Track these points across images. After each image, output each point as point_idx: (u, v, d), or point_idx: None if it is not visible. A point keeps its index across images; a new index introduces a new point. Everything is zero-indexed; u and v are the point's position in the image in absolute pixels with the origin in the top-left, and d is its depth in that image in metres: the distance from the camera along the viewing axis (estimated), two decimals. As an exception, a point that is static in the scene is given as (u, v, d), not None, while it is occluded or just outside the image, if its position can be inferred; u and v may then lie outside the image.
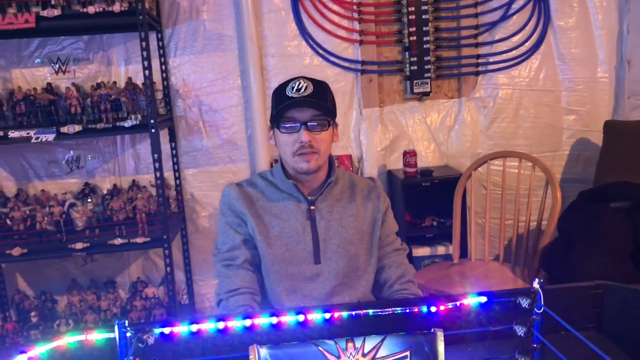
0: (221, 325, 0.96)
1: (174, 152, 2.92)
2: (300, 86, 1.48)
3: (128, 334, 0.76)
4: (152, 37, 2.76)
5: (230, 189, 1.62)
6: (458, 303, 0.80)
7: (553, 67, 2.99)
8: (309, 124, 1.48)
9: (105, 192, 2.84)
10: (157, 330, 0.81)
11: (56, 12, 2.30)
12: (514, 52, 2.96)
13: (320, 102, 1.49)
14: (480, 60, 2.98)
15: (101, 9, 2.31)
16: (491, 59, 2.97)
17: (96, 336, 1.03)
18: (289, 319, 0.83)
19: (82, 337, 1.03)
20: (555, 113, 3.02)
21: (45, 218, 2.54)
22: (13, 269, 2.94)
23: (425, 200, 2.93)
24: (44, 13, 2.30)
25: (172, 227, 2.70)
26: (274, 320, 0.84)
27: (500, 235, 2.60)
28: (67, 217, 2.57)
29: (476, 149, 3.02)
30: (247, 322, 0.97)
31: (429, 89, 2.97)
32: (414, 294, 1.60)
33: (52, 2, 2.32)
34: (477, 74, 2.99)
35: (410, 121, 3.03)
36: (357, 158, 3.03)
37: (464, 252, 2.69)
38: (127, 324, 0.78)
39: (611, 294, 1.13)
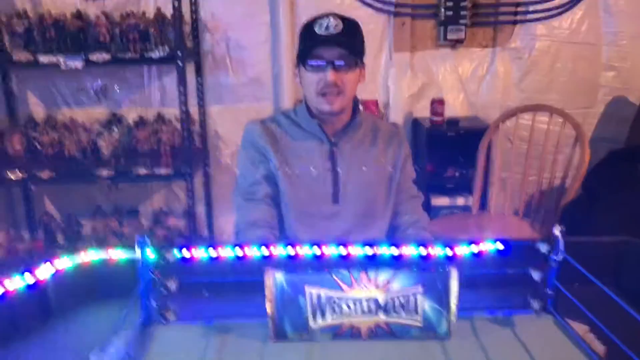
0: (239, 252, 0.98)
1: (199, 87, 2.91)
2: (329, 24, 1.44)
3: (149, 250, 0.78)
4: (183, -33, 2.70)
5: (253, 125, 1.61)
6: (476, 248, 0.80)
7: (597, 19, 2.84)
8: (335, 62, 1.45)
9: (131, 122, 2.86)
10: (177, 252, 0.83)
11: None
12: (556, 1, 2.82)
13: (348, 40, 1.45)
14: (519, 9, 2.86)
15: None
16: (531, 8, 2.84)
17: (119, 254, 1.07)
18: (305, 250, 0.84)
19: (105, 255, 1.08)
20: (593, 68, 2.91)
21: (74, 145, 2.59)
22: (42, 191, 3.02)
23: (449, 151, 2.89)
24: None
25: (195, 161, 2.73)
26: (291, 250, 0.85)
27: (521, 190, 2.57)
28: (94, 145, 2.61)
29: (507, 101, 2.94)
30: (265, 251, 0.99)
31: (463, 36, 2.87)
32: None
33: None
34: (514, 22, 2.88)
35: (441, 69, 2.95)
36: (383, 104, 2.98)
37: (483, 205, 2.68)
38: (147, 240, 0.80)
39: (632, 250, 1.12)
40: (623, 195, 2.16)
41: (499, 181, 2.66)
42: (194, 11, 2.80)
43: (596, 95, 2.94)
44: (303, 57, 1.48)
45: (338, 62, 1.45)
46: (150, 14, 2.70)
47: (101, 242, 2.76)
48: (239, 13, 2.83)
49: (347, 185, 1.57)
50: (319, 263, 0.81)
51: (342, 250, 0.81)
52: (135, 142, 2.64)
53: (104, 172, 2.49)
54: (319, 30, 1.44)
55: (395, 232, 1.65)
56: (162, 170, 2.52)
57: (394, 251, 0.78)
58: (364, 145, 1.60)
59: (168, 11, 2.60)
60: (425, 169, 2.85)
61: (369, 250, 0.79)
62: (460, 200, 2.88)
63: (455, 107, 2.99)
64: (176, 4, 2.35)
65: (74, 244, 2.79)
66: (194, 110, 2.91)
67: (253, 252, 0.87)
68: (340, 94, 1.48)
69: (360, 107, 1.64)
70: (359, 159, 1.58)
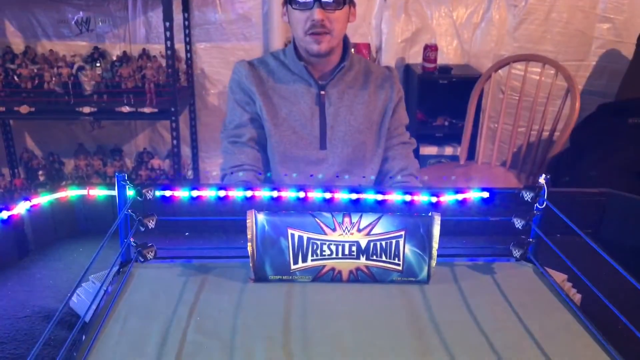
0: (222, 193, 0.96)
1: (186, 22, 2.81)
2: None
3: (127, 188, 0.76)
4: None
5: (240, 66, 1.57)
6: (460, 196, 0.79)
7: (596, -32, 2.77)
8: (322, 0, 1.40)
9: (114, 58, 2.77)
10: (156, 191, 0.81)
11: None
12: (556, -53, 2.73)
13: None
14: (519, -47, 2.76)
15: None
16: (531, -47, 2.75)
17: (98, 192, 1.04)
18: (289, 194, 0.83)
19: (84, 192, 1.05)
20: (588, 19, 2.85)
21: (54, 79, 2.51)
22: (22, 127, 2.95)
23: (441, 99, 2.86)
24: None
25: (181, 101, 2.66)
26: (275, 194, 0.84)
27: (510, 141, 2.56)
28: (76, 80, 2.53)
29: (500, 50, 2.89)
30: (248, 193, 0.97)
31: (459, -20, 2.78)
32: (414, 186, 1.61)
33: None
34: (513, -32, 2.79)
35: (436, 13, 2.88)
36: (376, 48, 2.91)
37: (471, 155, 2.68)
38: (126, 178, 0.78)
39: (614, 202, 1.12)
40: (610, 149, 2.17)
41: (487, 131, 2.65)
42: (181, -60, 2.67)
43: (590, 47, 2.90)
44: None
45: (325, 0, 1.40)
46: (135, -58, 2.57)
47: (83, 182, 2.73)
48: (228, -54, 2.71)
49: (334, 130, 1.54)
50: (302, 206, 0.80)
51: (327, 195, 0.79)
52: (118, 79, 2.56)
53: (86, 109, 2.43)
54: None
55: (383, 179, 1.64)
56: (146, 109, 2.46)
57: (379, 197, 0.77)
58: (354, 89, 1.56)
59: (153, -60, 2.48)
60: (416, 117, 2.82)
61: (353, 196, 0.78)
62: (448, 150, 2.88)
63: (448, 54, 2.93)
64: None
65: (55, 182, 2.75)
66: (180, 47, 2.82)
67: (235, 193, 0.86)
68: (328, 33, 1.43)
69: (352, 49, 1.59)
70: (347, 103, 1.54)
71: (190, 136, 3.04)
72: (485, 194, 0.78)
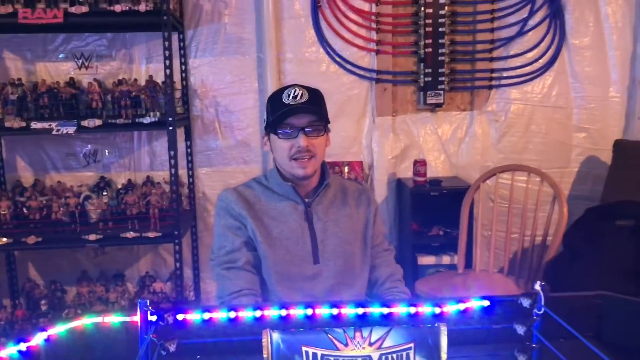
0: (232, 314, 1.00)
1: (189, 150, 2.98)
2: (296, 93, 1.53)
3: (149, 314, 0.81)
4: (174, 37, 2.82)
5: (227, 193, 1.64)
6: (462, 306, 0.84)
7: (566, 85, 3.02)
8: (306, 129, 1.53)
9: (120, 186, 2.90)
10: (175, 315, 0.86)
11: (84, 9, 2.38)
12: (528, 67, 3.00)
13: (316, 108, 1.54)
14: (493, 75, 3.02)
15: (127, 8, 2.39)
16: (505, 74, 3.01)
17: (113, 319, 1.08)
18: (297, 311, 0.87)
19: (99, 319, 1.09)
20: (566, 130, 3.06)
21: (61, 209, 2.61)
22: (25, 257, 3.00)
23: (433, 210, 2.96)
24: (72, 9, 2.38)
25: (183, 223, 2.75)
26: (283, 312, 0.88)
27: (505, 247, 2.63)
28: (82, 209, 2.63)
29: (486, 161, 3.06)
30: (257, 313, 1.01)
31: (442, 101, 3.01)
32: (403, 292, 1.67)
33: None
34: (490, 87, 3.04)
35: (422, 131, 3.07)
36: (368, 165, 3.07)
37: (468, 263, 2.72)
38: (149, 304, 0.83)
39: (611, 305, 1.17)
40: (602, 251, 2.23)
41: (482, 239, 2.72)
42: (184, 78, 2.91)
43: (570, 155, 3.07)
44: (274, 126, 1.55)
45: (308, 129, 1.53)
46: (142, 81, 2.80)
47: (86, 309, 2.72)
48: (228, 80, 2.95)
49: (325, 244, 1.61)
50: (310, 323, 0.84)
51: (334, 311, 0.84)
52: (123, 206, 2.66)
53: (92, 237, 2.50)
54: (286, 99, 1.53)
55: (372, 287, 1.70)
56: (150, 234, 2.54)
57: (384, 310, 0.82)
58: (336, 204, 1.66)
59: (159, 78, 2.71)
60: (411, 228, 2.90)
61: (360, 310, 0.82)
62: (446, 259, 2.92)
63: (436, 168, 3.09)
64: (168, 72, 2.45)
65: (57, 311, 2.74)
66: (183, 172, 2.97)
67: (246, 314, 0.90)
68: (313, 157, 1.55)
69: (328, 169, 1.70)
70: (333, 217, 1.64)
71: (192, 257, 3.09)
72: (486, 302, 0.83)
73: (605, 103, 3.02)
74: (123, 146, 2.97)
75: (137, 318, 0.85)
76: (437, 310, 0.83)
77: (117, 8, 2.37)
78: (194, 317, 0.89)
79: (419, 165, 2.88)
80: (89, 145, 2.94)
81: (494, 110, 3.04)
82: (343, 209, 1.66)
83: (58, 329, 1.06)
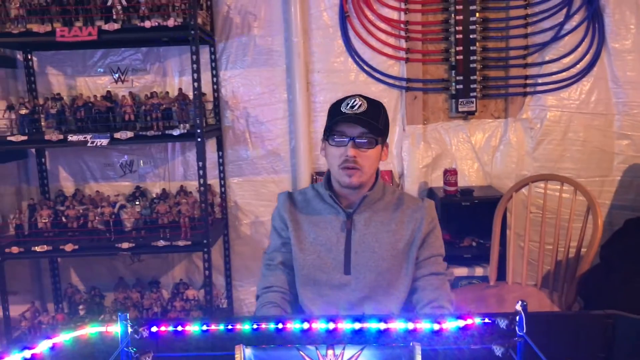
0: (204, 327, 1.00)
1: (220, 160, 3.04)
2: (354, 103, 1.55)
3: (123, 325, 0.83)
4: (205, 50, 2.90)
5: (281, 196, 1.74)
6: (437, 326, 0.80)
7: (606, 90, 2.89)
8: (356, 140, 1.54)
9: (154, 195, 2.99)
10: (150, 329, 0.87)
11: (116, 26, 2.47)
12: (564, 73, 2.89)
13: (371, 120, 1.54)
14: (528, 81, 2.93)
15: (157, 24, 2.46)
16: (540, 80, 2.92)
17: (115, 329, 1.12)
18: (269, 325, 0.87)
19: (102, 329, 1.12)
20: (606, 137, 2.92)
21: (97, 218, 2.71)
22: (67, 263, 3.13)
23: (465, 220, 2.90)
24: (106, 27, 2.48)
25: (215, 232, 2.80)
26: (255, 325, 0.88)
27: (539, 259, 2.54)
28: (117, 218, 2.73)
29: (521, 170, 2.96)
30: (229, 326, 1.00)
31: (474, 108, 2.95)
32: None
33: (114, 17, 2.50)
34: (524, 94, 2.95)
35: (454, 140, 3.01)
36: (399, 174, 3.04)
37: (502, 275, 2.64)
38: (127, 317, 0.85)
39: (622, 325, 1.11)
40: (637, 266, 2.12)
41: (515, 250, 2.64)
42: (216, 90, 2.98)
43: (612, 163, 2.93)
44: (328, 132, 1.58)
45: (359, 140, 1.54)
46: (175, 93, 2.88)
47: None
48: (258, 91, 3.00)
49: (358, 256, 1.60)
50: (282, 338, 0.84)
51: (305, 325, 0.83)
52: (156, 215, 2.74)
53: (125, 245, 2.59)
54: (344, 108, 1.55)
55: (413, 309, 1.64)
56: (181, 242, 2.61)
57: (356, 326, 0.81)
58: (382, 217, 1.63)
59: (191, 91, 2.78)
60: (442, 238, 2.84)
61: (331, 325, 0.82)
62: (478, 270, 2.85)
63: (470, 177, 3.02)
64: (196, 84, 2.51)
65: (95, 316, 2.85)
66: (215, 182, 3.03)
67: (219, 327, 0.91)
68: (359, 169, 1.55)
69: (383, 182, 1.70)
70: (373, 231, 1.61)
71: (224, 265, 3.14)
72: (461, 322, 0.80)
73: (649, 109, 2.87)
74: (158, 157, 3.07)
75: (110, 329, 0.87)
76: (410, 325, 0.81)
77: (147, 24, 2.45)
78: (167, 330, 0.91)
79: (449, 174, 2.83)
80: (126, 156, 3.05)
81: (529, 118, 2.95)
82: (388, 223, 1.63)
83: (63, 337, 1.10)
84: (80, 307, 2.85)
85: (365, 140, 1.54)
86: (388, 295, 1.62)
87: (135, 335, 0.84)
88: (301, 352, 0.80)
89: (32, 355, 1.02)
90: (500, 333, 0.82)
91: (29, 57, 2.93)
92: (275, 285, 1.64)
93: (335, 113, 1.57)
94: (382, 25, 2.92)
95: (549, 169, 2.92)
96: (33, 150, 2.99)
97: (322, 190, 1.66)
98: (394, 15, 2.92)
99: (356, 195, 1.63)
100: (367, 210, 1.63)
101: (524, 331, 0.80)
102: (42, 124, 2.72)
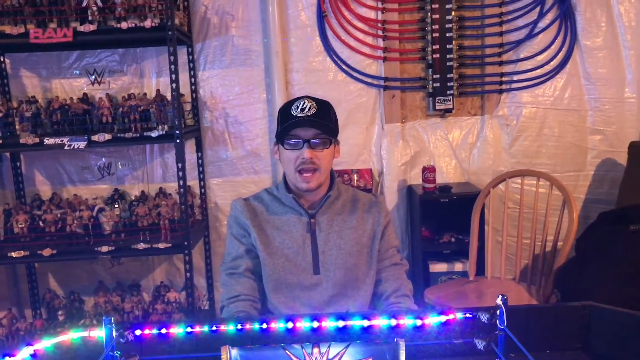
0: (189, 329, 1.00)
1: (200, 161, 3.02)
2: (304, 106, 1.56)
3: (107, 329, 0.83)
4: (183, 51, 2.88)
5: (236, 203, 1.71)
6: (419, 321, 0.82)
7: (579, 87, 2.96)
8: (311, 141, 1.56)
9: (133, 198, 2.96)
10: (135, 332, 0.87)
11: (92, 27, 2.45)
12: (538, 70, 2.95)
13: (322, 121, 1.56)
14: (504, 79, 2.98)
15: (133, 25, 2.44)
16: (515, 77, 2.97)
17: (98, 333, 1.11)
18: (253, 326, 0.88)
19: (85, 334, 1.12)
20: (580, 133, 2.99)
21: (75, 221, 2.68)
22: (45, 268, 3.09)
23: (444, 216, 2.94)
24: (81, 28, 2.45)
25: (195, 234, 2.79)
26: (239, 326, 0.89)
27: (517, 254, 2.58)
28: (96, 221, 2.70)
29: (498, 166, 3.01)
30: (214, 327, 1.00)
31: (451, 106, 2.99)
32: (408, 308, 1.64)
33: (89, 18, 2.47)
34: (500, 92, 2.99)
35: (432, 137, 3.05)
36: (378, 172, 3.07)
37: (481, 270, 2.68)
38: (112, 321, 0.85)
39: (597, 316, 1.14)
40: (611, 257, 2.17)
41: (494, 246, 2.68)
42: (194, 90, 2.96)
43: (585, 158, 3.00)
44: (281, 136, 1.58)
45: (313, 141, 1.56)
46: (152, 94, 2.86)
47: (101, 318, 2.77)
48: (237, 92, 2.99)
49: (326, 255, 1.62)
50: (267, 338, 0.84)
51: (290, 324, 0.84)
52: (135, 218, 2.72)
53: (104, 248, 2.56)
54: (295, 111, 1.56)
55: (377, 301, 1.69)
56: (161, 245, 2.59)
57: (340, 324, 0.82)
58: (343, 216, 1.66)
59: (169, 92, 2.76)
60: (421, 235, 2.88)
61: (315, 324, 0.83)
62: (458, 266, 2.89)
63: (448, 174, 3.06)
64: (174, 85, 2.50)
65: (75, 321, 2.81)
66: (194, 183, 3.02)
67: (203, 328, 0.91)
68: (317, 170, 1.57)
69: (337, 180, 1.72)
70: (337, 229, 1.64)
71: (205, 267, 3.13)
72: (444, 318, 0.82)
73: (620, 104, 2.94)
74: (136, 159, 3.04)
75: (93, 334, 0.87)
76: (393, 322, 0.82)
77: (124, 25, 2.43)
78: (151, 332, 0.91)
79: (428, 171, 2.86)
80: (103, 159, 3.02)
81: (505, 115, 3.00)
82: (349, 220, 1.66)
83: (44, 343, 1.09)
84: (60, 312, 2.81)
85: (319, 141, 1.56)
86: (357, 290, 1.66)
87: (121, 339, 0.84)
88: (287, 351, 0.81)
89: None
90: (481, 327, 0.85)
91: (2, 59, 2.88)
92: (243, 293, 1.60)
93: (287, 116, 1.57)
94: (360, 25, 2.94)
95: (525, 164, 2.98)
96: (7, 154, 2.93)
97: (282, 194, 1.67)
98: (371, 14, 2.94)
99: (315, 195, 1.65)
100: (328, 210, 1.66)
101: (505, 325, 0.82)
102: (17, 127, 2.67)
